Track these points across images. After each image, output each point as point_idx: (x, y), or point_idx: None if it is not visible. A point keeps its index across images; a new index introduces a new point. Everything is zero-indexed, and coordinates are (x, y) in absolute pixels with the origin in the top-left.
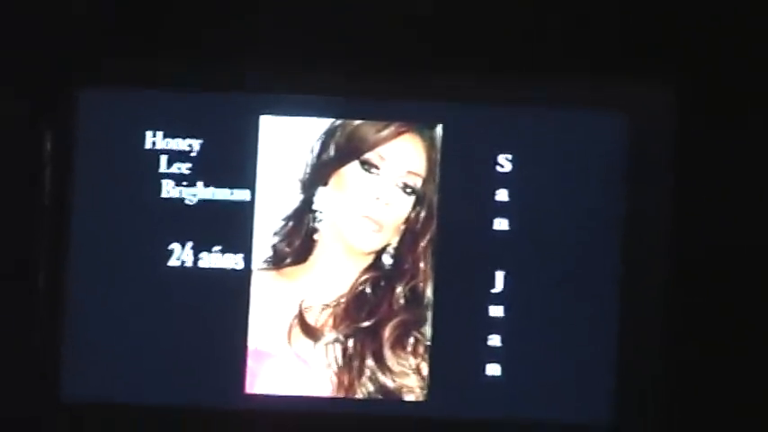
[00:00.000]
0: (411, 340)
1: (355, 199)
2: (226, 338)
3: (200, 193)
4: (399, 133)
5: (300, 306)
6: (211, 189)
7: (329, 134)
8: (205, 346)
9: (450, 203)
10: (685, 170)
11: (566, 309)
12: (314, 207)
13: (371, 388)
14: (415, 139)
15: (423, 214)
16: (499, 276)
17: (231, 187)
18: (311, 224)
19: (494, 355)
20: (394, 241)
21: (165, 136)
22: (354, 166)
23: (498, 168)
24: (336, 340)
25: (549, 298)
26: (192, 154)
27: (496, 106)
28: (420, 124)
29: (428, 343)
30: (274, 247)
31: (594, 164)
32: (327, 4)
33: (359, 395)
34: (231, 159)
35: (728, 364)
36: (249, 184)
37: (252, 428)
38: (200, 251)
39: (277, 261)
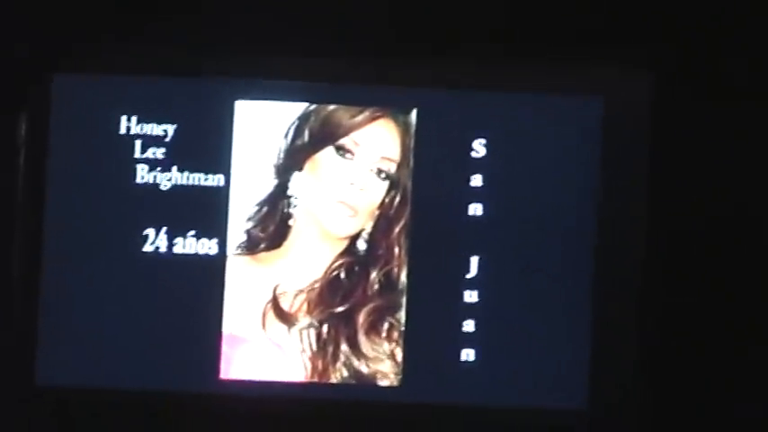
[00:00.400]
0: (385, 325)
1: (330, 184)
2: (200, 323)
3: (174, 178)
4: (374, 118)
5: (275, 291)
6: (186, 174)
7: (304, 119)
8: (180, 331)
9: (424, 189)
10: (661, 153)
11: (540, 294)
12: (289, 192)
13: (346, 373)
14: (389, 125)
15: (397, 199)
16: (474, 261)
17: (206, 172)
18: (286, 209)
19: (468, 340)
20: (368, 226)
21: (139, 121)
22: (329, 151)
23: (473, 153)
24: (311, 325)
25: (524, 283)
26: (167, 139)
27: (471, 91)
28: (394, 109)
29: (402, 328)
30: (249, 232)
31: (569, 148)
32: None
33: (333, 380)
34: (206, 144)
35: (703, 350)
36: (224, 169)
37: (226, 413)
38: (175, 236)
39: (251, 246)
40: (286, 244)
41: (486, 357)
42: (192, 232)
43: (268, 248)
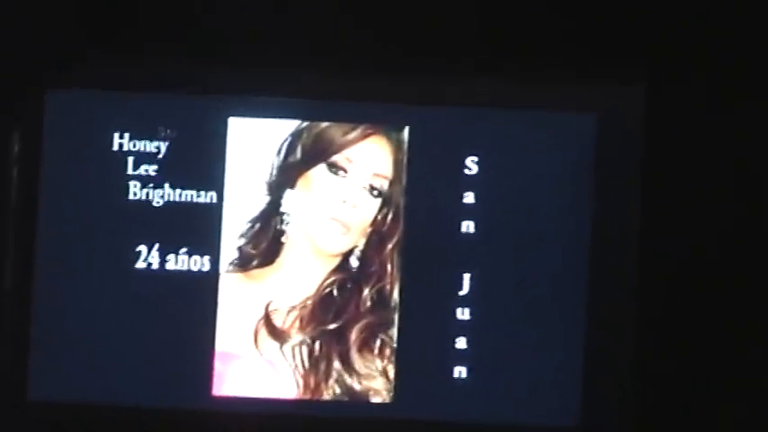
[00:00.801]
0: (378, 342)
1: (322, 201)
2: (193, 340)
3: (167, 194)
4: (366, 135)
5: (267, 308)
6: (178, 191)
7: (296, 136)
8: (172, 348)
9: (417, 206)
10: (653, 171)
11: (533, 311)
12: (281, 209)
13: (338, 390)
14: (381, 142)
15: (390, 216)
16: (466, 279)
17: (198, 189)
18: (278, 226)
19: (460, 357)
20: (361, 243)
21: (131, 137)
22: (321, 168)
23: (465, 171)
24: (303, 342)
25: (517, 300)
26: (159, 155)
27: (463, 108)
28: (387, 126)
29: (395, 345)
30: (241, 249)
31: (562, 165)
32: (294, 8)
33: (325, 397)
34: (198, 161)
35: (698, 367)
36: (216, 186)
37: (219, 430)
38: (167, 253)
39: (244, 263)
40: (278, 261)
41: (479, 374)
42: (185, 249)
43: (260, 265)
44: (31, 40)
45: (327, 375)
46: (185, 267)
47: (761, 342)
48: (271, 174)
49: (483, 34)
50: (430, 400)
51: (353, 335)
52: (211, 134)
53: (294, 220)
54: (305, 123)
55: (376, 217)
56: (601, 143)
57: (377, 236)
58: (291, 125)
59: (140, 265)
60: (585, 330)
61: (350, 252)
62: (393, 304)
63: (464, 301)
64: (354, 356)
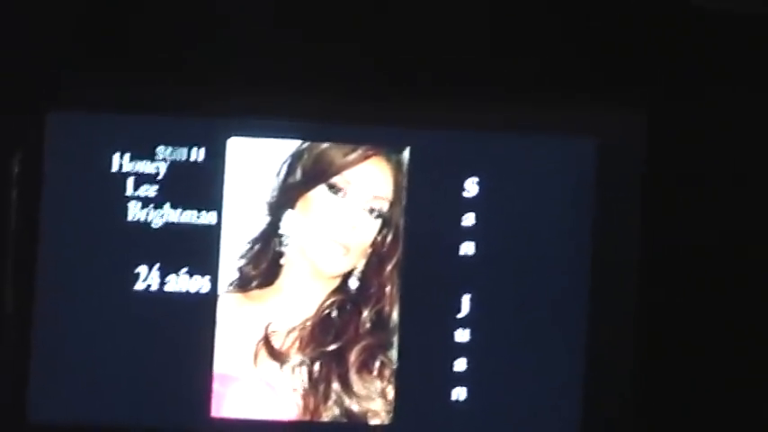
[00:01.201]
0: (377, 364)
1: (322, 222)
2: (192, 362)
3: (166, 215)
4: (366, 157)
5: (266, 329)
6: (178, 212)
7: (296, 157)
8: (171, 370)
9: (416, 227)
10: (654, 195)
11: (532, 333)
12: (281, 231)
13: (337, 412)
14: (381, 163)
15: (389, 238)
16: (465, 300)
17: (198, 210)
18: (278, 247)
19: (459, 379)
20: (360, 265)
21: (131, 158)
22: (321, 189)
23: (465, 193)
24: (302, 364)
25: (516, 322)
26: (159, 177)
27: (463, 130)
28: (387, 148)
29: (394, 367)
30: (241, 270)
31: (562, 188)
32: (296, 29)
33: (324, 419)
34: (198, 182)
35: (699, 390)
36: (216, 206)
37: None
38: (167, 274)
39: (243, 284)
40: (278, 282)
41: (478, 397)
42: (185, 270)
43: (260, 286)
44: (32, 61)
45: (326, 397)
46: (185, 288)
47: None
48: (270, 194)
49: (485, 58)
50: (429, 422)
51: (353, 356)
52: (211, 155)
53: (294, 241)
54: (305, 144)
55: (375, 238)
56: (602, 167)
57: (376, 257)
58: (292, 146)
59: (140, 286)
60: (585, 352)
61: (349, 273)
62: (392, 326)
63: (463, 323)
64: (353, 378)
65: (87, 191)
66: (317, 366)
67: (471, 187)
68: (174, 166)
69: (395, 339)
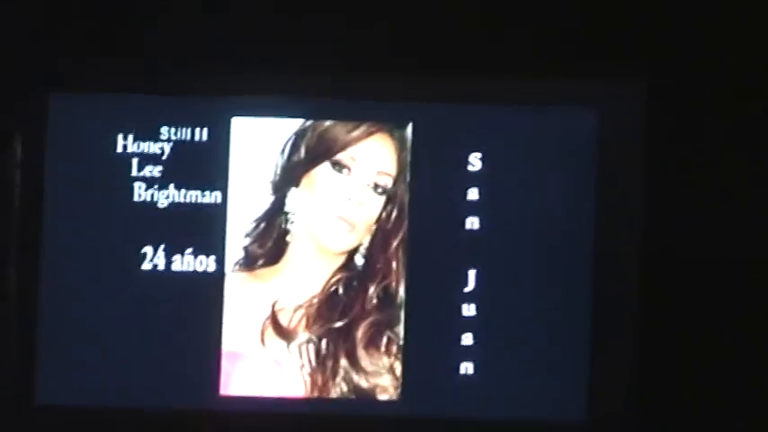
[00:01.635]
0: (384, 340)
1: (327, 200)
2: (200, 340)
3: (171, 195)
4: (370, 133)
5: (273, 307)
6: (183, 192)
7: (300, 135)
8: (179, 349)
9: (421, 203)
10: (655, 165)
11: (538, 306)
12: (286, 208)
13: (345, 388)
14: (385, 139)
15: (394, 214)
16: (471, 275)
17: (203, 190)
18: (283, 225)
19: (467, 353)
20: (366, 241)
21: (135, 139)
22: (325, 166)
23: (469, 167)
24: (309, 341)
25: (522, 296)
26: (164, 157)
27: (466, 105)
28: (390, 124)
29: (401, 342)
30: (246, 248)
31: (565, 160)
32: (297, 7)
33: (333, 395)
34: (202, 162)
35: (704, 359)
36: (221, 186)
37: (226, 429)
38: (173, 254)
39: (249, 263)
40: (284, 260)
41: (485, 370)
42: (190, 249)
43: (266, 265)
44: (34, 43)
45: (334, 373)
46: (191, 268)
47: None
48: (275, 173)
49: (485, 31)
50: (437, 397)
51: (360, 332)
52: (215, 134)
53: (299, 218)
54: (308, 122)
55: (380, 214)
56: (603, 137)
57: (382, 233)
58: (295, 124)
59: (146, 266)
60: (591, 324)
61: (355, 250)
62: (399, 301)
63: (470, 298)
64: (361, 354)
65: (91, 172)
66: (324, 343)
67: (475, 161)
68: (178, 146)
69: (401, 315)
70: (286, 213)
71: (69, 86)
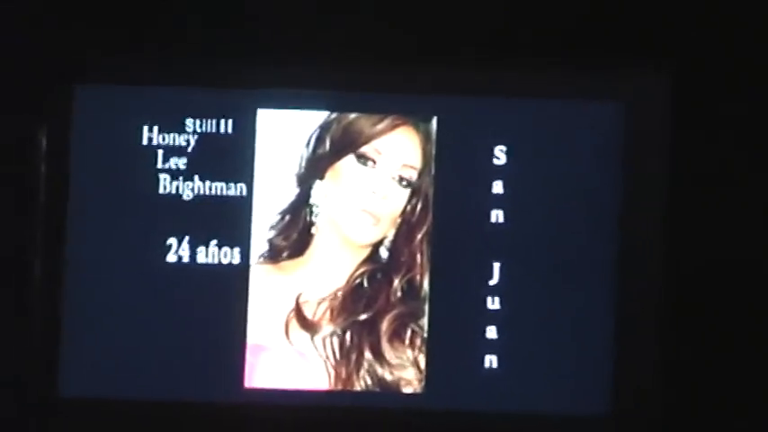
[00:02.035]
0: (408, 333)
1: (352, 192)
2: (224, 333)
3: (196, 187)
4: (395, 126)
5: (298, 300)
6: (208, 184)
7: (325, 128)
8: (204, 341)
9: (446, 196)
10: (682, 159)
11: (563, 300)
12: (311, 201)
13: (369, 381)
14: (410, 132)
15: (419, 207)
16: (496, 268)
17: (228, 182)
18: (308, 218)
19: (491, 346)
20: (390, 234)
21: (160, 131)
22: (350, 159)
23: (494, 160)
24: (334, 333)
25: (546, 289)
26: (189, 149)
27: (491, 98)
28: (415, 117)
29: (425, 335)
30: (271, 241)
31: (590, 154)
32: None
33: (357, 388)
34: (227, 154)
35: (727, 354)
36: (246, 178)
37: (251, 423)
38: (198, 246)
39: (274, 255)
40: (308, 252)
41: (510, 364)
42: (215, 242)
43: (290, 257)
44: (60, 36)
45: (358, 366)
46: (216, 260)
47: None
48: (300, 165)
49: (512, 23)
50: (461, 390)
51: (384, 325)
52: (240, 127)
53: (323, 211)
54: (334, 115)
55: (405, 207)
56: (629, 131)
57: (406, 226)
58: (320, 117)
59: (171, 258)
60: (615, 318)
61: (379, 243)
62: (423, 294)
63: (494, 291)
64: (385, 347)
65: (116, 164)
66: (348, 336)
67: (500, 154)
68: (203, 138)
69: (426, 308)
70: (311, 206)
71: (95, 79)
